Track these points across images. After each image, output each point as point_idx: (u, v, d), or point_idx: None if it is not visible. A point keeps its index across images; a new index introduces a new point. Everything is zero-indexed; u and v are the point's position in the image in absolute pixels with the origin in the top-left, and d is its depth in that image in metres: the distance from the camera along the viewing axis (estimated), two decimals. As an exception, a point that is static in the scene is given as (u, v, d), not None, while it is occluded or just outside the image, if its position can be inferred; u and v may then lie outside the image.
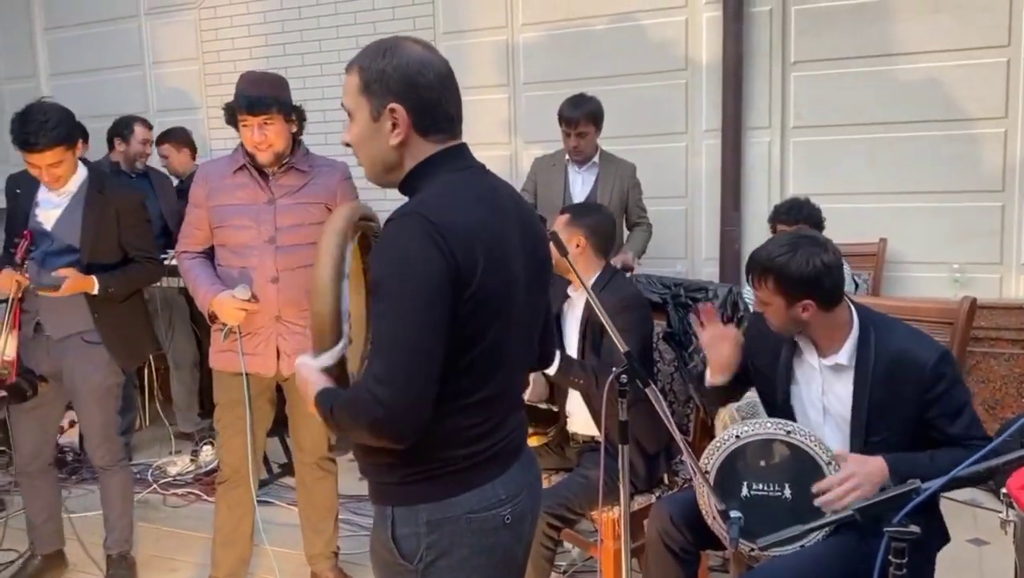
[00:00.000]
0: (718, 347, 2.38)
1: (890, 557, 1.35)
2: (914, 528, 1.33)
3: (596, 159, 4.06)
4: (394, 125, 1.44)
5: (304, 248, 2.69)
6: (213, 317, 2.76)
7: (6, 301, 2.93)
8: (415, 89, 1.43)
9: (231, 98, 2.70)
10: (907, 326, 2.23)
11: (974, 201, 4.13)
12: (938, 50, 4.10)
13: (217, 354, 2.87)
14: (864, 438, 2.14)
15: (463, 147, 1.52)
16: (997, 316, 3.91)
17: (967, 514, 3.50)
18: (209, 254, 2.86)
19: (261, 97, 2.64)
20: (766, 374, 2.33)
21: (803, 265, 2.08)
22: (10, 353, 2.90)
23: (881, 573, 1.38)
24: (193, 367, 4.80)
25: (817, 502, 2.02)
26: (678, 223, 4.70)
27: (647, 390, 2.02)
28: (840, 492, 1.98)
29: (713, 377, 2.41)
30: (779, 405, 2.29)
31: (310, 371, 1.49)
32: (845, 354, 2.16)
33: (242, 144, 2.74)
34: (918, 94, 4.16)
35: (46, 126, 2.75)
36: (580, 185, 4.06)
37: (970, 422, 2.08)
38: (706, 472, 2.18)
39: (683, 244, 4.72)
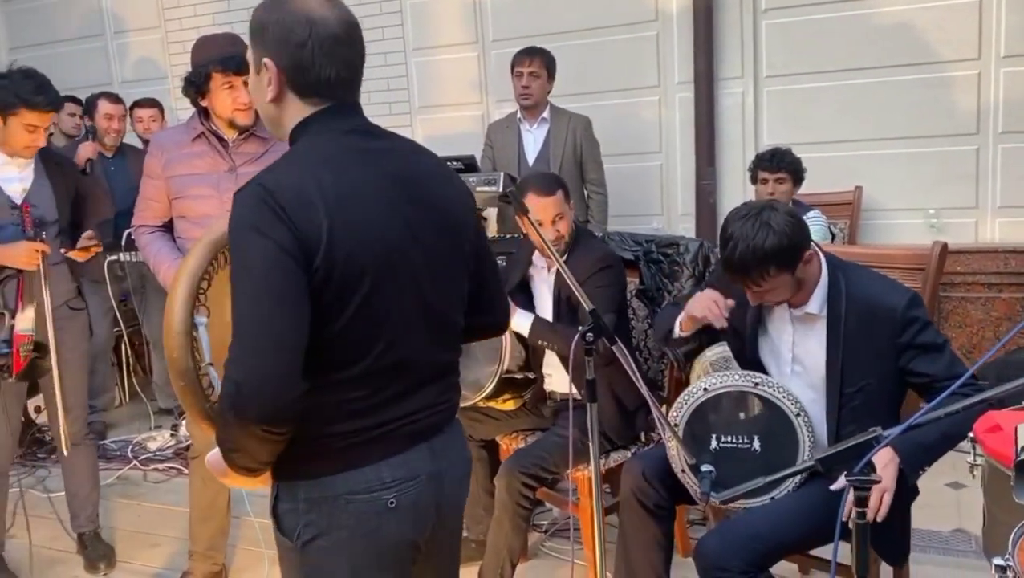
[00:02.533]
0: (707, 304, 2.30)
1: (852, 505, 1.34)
2: (875, 476, 1.32)
3: (546, 114, 4.03)
4: (269, 80, 1.40)
5: None
6: None
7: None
8: (287, 47, 1.38)
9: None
10: (874, 272, 2.21)
11: (949, 145, 4.11)
12: (907, -8, 4.04)
13: None
14: (839, 389, 2.13)
15: (342, 107, 1.43)
16: (973, 260, 3.90)
17: (945, 458, 3.51)
18: (167, 228, 2.78)
19: (245, 56, 2.56)
20: (735, 325, 2.30)
21: (786, 229, 2.03)
22: (28, 327, 2.86)
23: (844, 521, 1.38)
24: (171, 341, 4.76)
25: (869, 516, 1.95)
26: (653, 178, 4.66)
27: (614, 348, 2.00)
28: (876, 501, 1.94)
29: (683, 328, 2.38)
30: (748, 357, 2.28)
31: (213, 457, 1.42)
32: (815, 303, 2.15)
33: (201, 112, 2.66)
34: (890, 38, 4.11)
35: (50, 86, 2.76)
36: (533, 143, 4.06)
37: (951, 360, 2.08)
38: (675, 425, 2.17)
39: (659, 200, 4.68)
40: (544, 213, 2.70)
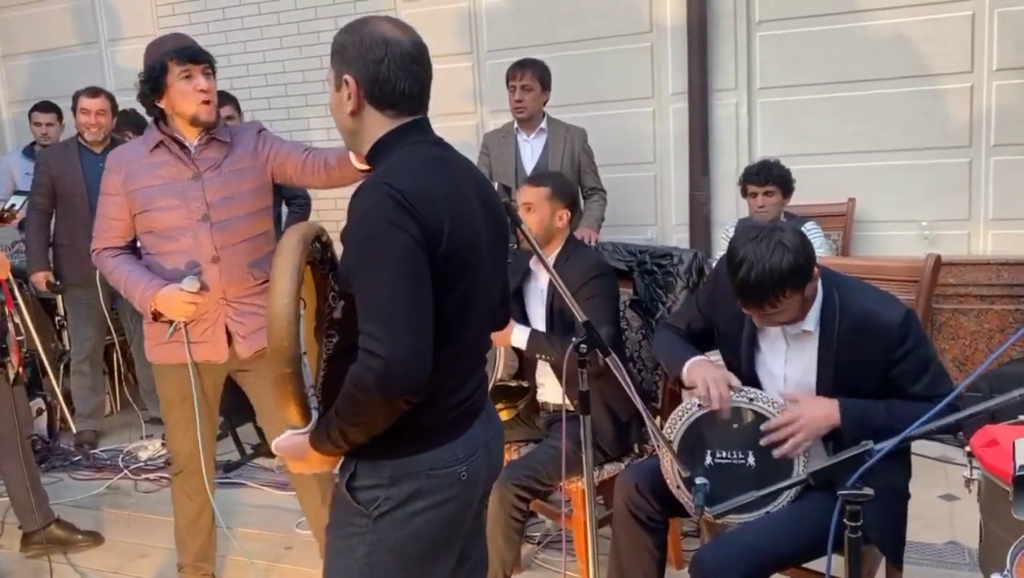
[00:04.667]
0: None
1: (845, 520, 1.33)
2: (868, 491, 1.31)
3: (543, 125, 4.04)
4: (349, 95, 1.57)
5: (239, 221, 2.60)
6: (157, 315, 2.57)
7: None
8: (367, 64, 1.54)
9: None
10: (870, 287, 2.20)
11: (942, 158, 4.12)
12: (903, 5, 4.06)
13: (158, 347, 2.66)
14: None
15: (421, 122, 1.62)
16: (965, 272, 3.91)
17: (938, 470, 3.52)
18: (131, 248, 2.67)
19: (198, 46, 2.54)
20: (729, 339, 2.29)
21: (799, 246, 2.01)
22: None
23: (837, 536, 1.37)
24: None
25: (763, 442, 2.07)
26: (647, 189, 4.66)
27: (607, 360, 1.99)
28: (780, 435, 2.03)
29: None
30: (744, 372, 2.26)
31: (289, 441, 1.61)
32: (811, 321, 2.13)
33: (158, 118, 2.59)
34: (883, 51, 4.12)
35: None
36: (530, 154, 4.04)
37: (933, 380, 2.06)
38: (669, 440, 2.16)
39: (653, 210, 4.68)
40: (519, 197, 2.78)
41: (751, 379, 2.24)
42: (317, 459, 1.59)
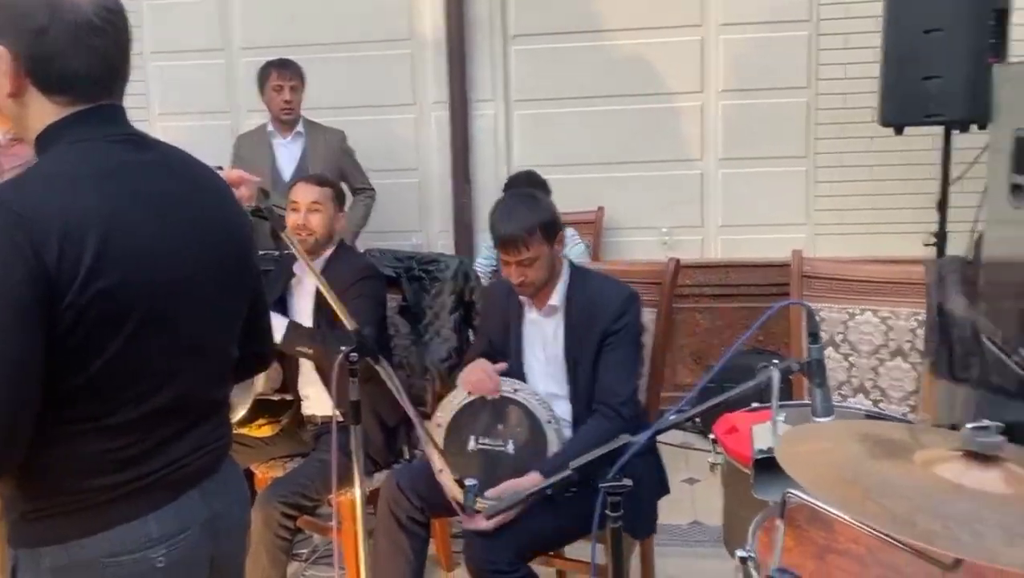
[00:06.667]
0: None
1: (606, 510, 1.41)
2: (627, 481, 1.39)
3: (301, 128, 3.95)
4: (4, 71, 1.18)
5: None
6: None
7: None
8: (23, 34, 1.16)
9: None
10: (609, 277, 2.45)
11: (677, 170, 4.49)
12: (641, 27, 4.38)
13: None
14: (574, 374, 2.34)
15: (104, 111, 1.23)
16: (699, 274, 4.31)
17: (680, 456, 3.83)
18: None
19: None
20: (501, 342, 2.47)
21: (550, 206, 2.37)
22: None
23: (600, 526, 1.44)
24: None
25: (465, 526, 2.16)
26: (411, 195, 4.67)
27: (378, 368, 1.97)
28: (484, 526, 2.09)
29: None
30: (513, 368, 2.42)
31: None
32: (557, 296, 2.36)
33: None
34: (625, 69, 4.43)
35: None
36: (288, 158, 3.93)
37: (617, 380, 2.27)
38: (437, 425, 2.30)
39: (417, 217, 4.70)
40: (303, 196, 2.71)
41: (520, 372, 2.42)
42: None
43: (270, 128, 3.94)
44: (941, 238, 3.56)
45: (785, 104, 4.33)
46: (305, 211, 2.69)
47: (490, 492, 2.15)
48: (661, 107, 4.44)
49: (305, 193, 2.73)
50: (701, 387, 1.63)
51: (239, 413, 2.64)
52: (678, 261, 2.68)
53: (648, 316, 2.60)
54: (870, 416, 2.36)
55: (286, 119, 3.89)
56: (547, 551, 2.32)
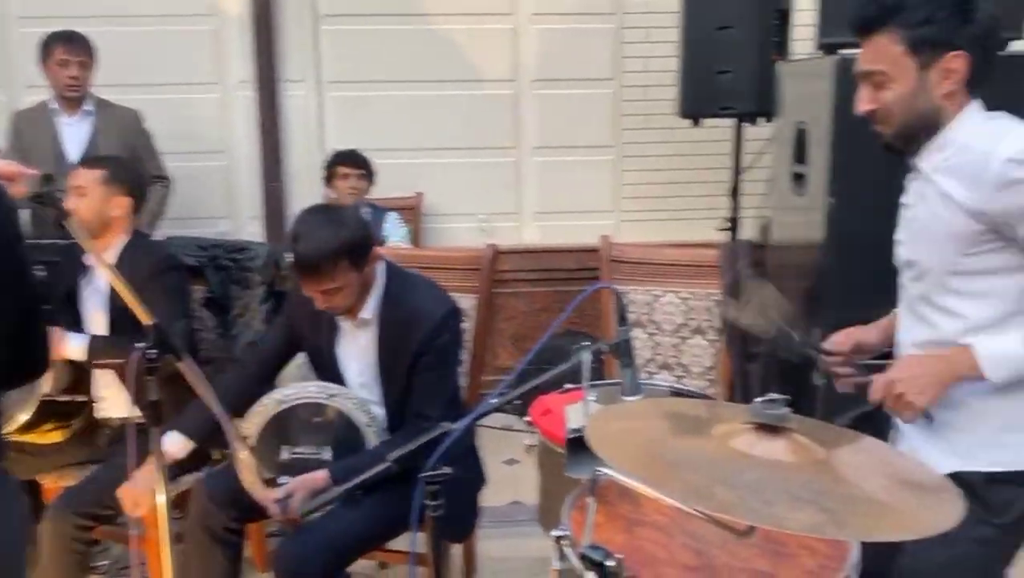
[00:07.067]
0: None
1: (426, 500, 1.40)
2: (447, 469, 1.39)
3: (89, 107, 3.65)
4: None
5: None
6: None
7: None
8: None
9: None
10: (426, 283, 2.33)
11: (493, 157, 4.55)
12: (454, 13, 4.38)
13: None
14: (386, 389, 2.25)
15: None
16: (516, 260, 4.39)
17: (501, 438, 3.90)
18: None
19: None
20: (313, 346, 2.34)
21: (357, 224, 2.12)
22: None
23: (419, 517, 1.44)
24: None
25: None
26: (217, 180, 4.43)
27: (179, 365, 1.85)
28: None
29: None
30: (329, 371, 2.32)
31: None
32: (369, 309, 2.23)
33: None
34: (441, 55, 4.42)
35: None
36: (75, 138, 3.61)
37: (428, 402, 2.18)
38: (247, 438, 2.12)
39: (224, 202, 4.47)
40: (72, 180, 2.52)
41: (335, 377, 2.30)
42: None
43: (53, 105, 3.60)
44: (733, 223, 3.83)
45: (593, 95, 4.48)
46: (73, 196, 2.48)
47: (279, 491, 2.05)
48: (476, 94, 4.46)
49: (74, 177, 2.54)
50: (519, 370, 1.66)
51: (21, 418, 2.40)
52: (496, 247, 2.71)
53: (468, 302, 2.61)
54: (675, 393, 2.48)
55: (72, 96, 3.56)
56: (367, 551, 2.25)
